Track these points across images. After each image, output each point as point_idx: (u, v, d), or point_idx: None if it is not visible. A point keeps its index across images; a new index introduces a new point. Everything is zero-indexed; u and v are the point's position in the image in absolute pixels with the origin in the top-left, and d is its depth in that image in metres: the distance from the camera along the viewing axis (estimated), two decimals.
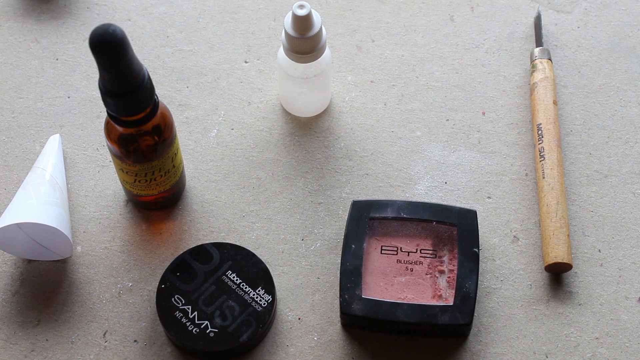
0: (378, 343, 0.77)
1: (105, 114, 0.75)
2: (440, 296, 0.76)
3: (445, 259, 0.77)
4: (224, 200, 0.83)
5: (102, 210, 0.82)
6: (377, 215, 0.78)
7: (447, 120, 0.86)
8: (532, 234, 0.81)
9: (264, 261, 0.78)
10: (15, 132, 0.85)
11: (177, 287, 0.77)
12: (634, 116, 0.86)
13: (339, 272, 0.79)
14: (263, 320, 0.76)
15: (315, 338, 0.78)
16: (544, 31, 0.89)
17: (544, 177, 0.81)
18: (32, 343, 0.78)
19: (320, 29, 0.79)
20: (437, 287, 0.76)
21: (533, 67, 0.86)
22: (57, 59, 0.89)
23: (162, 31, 0.90)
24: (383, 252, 0.78)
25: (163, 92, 0.87)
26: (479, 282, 0.78)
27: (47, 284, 0.79)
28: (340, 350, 0.77)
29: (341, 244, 0.80)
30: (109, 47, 0.65)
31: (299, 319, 0.78)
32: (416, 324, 0.75)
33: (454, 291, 0.76)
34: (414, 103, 0.87)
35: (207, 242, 0.80)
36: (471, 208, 0.81)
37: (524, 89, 0.87)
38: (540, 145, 0.82)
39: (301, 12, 0.77)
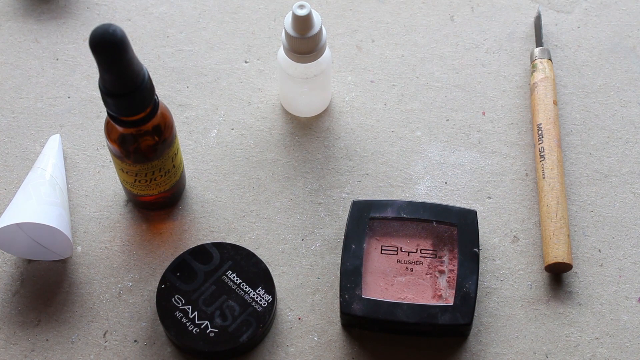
0: (378, 343, 0.77)
1: (105, 114, 0.75)
2: (440, 296, 0.76)
3: (446, 259, 0.77)
4: (224, 200, 0.83)
5: (102, 210, 0.82)
6: (377, 215, 0.78)
7: (447, 120, 0.86)
8: (532, 234, 0.81)
9: (264, 261, 0.78)
10: (15, 132, 0.85)
11: (177, 287, 0.77)
12: (634, 116, 0.86)
13: (339, 272, 0.79)
14: (263, 320, 0.76)
15: (315, 338, 0.78)
16: (544, 31, 0.89)
17: (544, 177, 0.81)
18: (32, 343, 0.78)
19: (320, 29, 0.79)
20: (437, 287, 0.76)
21: (533, 67, 0.86)
22: (57, 59, 0.89)
23: (162, 31, 0.90)
24: (383, 252, 0.78)
25: (163, 92, 0.87)
26: (479, 282, 0.78)
27: (47, 284, 0.79)
28: (340, 350, 0.77)
29: (341, 244, 0.80)
30: (109, 47, 0.65)
31: (299, 319, 0.78)
32: (416, 324, 0.75)
33: (454, 291, 0.76)
34: (414, 103, 0.87)
35: (207, 242, 0.80)
36: (471, 208, 0.81)
37: (524, 89, 0.87)
38: (541, 145, 0.82)
39: (301, 12, 0.77)
